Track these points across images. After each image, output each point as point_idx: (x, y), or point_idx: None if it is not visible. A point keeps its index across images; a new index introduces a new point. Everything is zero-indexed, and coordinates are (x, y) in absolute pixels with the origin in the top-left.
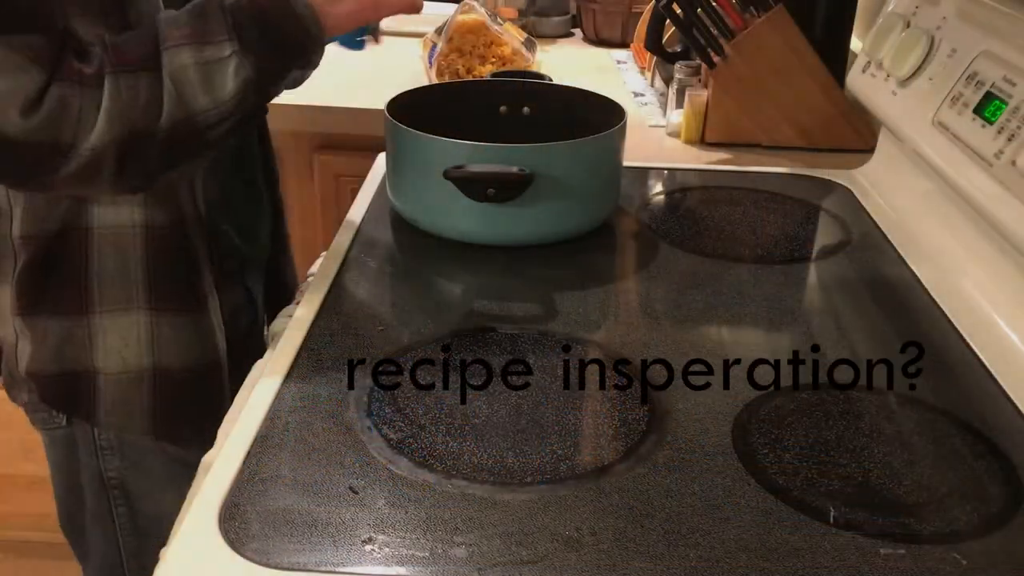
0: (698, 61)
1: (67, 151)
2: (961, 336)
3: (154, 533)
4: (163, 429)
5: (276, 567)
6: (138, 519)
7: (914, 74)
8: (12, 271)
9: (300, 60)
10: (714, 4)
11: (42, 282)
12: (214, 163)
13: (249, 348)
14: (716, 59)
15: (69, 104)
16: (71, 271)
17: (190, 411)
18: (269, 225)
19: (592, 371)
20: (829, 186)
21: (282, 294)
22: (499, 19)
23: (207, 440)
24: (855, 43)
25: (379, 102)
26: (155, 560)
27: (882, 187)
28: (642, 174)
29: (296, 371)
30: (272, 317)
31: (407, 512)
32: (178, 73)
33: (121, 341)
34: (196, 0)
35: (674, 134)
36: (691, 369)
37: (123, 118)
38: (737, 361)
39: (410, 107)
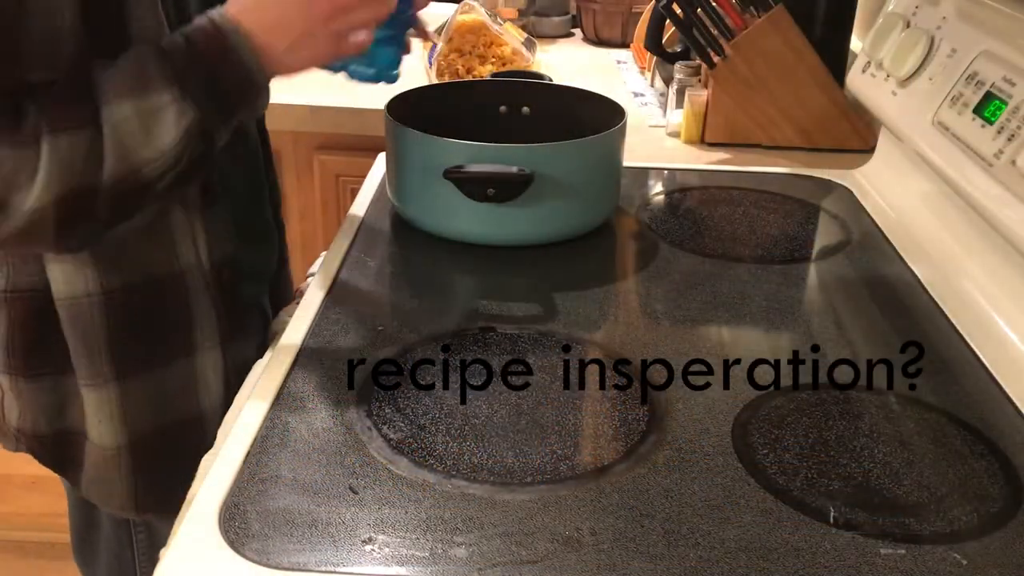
0: (698, 61)
1: (4, 210)
2: (961, 336)
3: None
4: (145, 503)
5: (276, 567)
6: (157, 545)
7: (914, 74)
8: None
9: (244, 108)
10: (714, 4)
11: (29, 342)
12: (222, 209)
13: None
14: (716, 59)
15: (1, 164)
16: (58, 332)
17: (172, 481)
18: (277, 252)
19: (592, 371)
20: (829, 186)
21: (281, 296)
22: (499, 19)
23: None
24: (855, 43)
25: (379, 102)
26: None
27: (882, 187)
28: (642, 174)
29: (296, 371)
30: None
31: (407, 512)
32: (119, 126)
33: (95, 416)
34: (134, 48)
35: (674, 134)
36: (691, 369)
37: (63, 178)
38: (737, 361)
39: (410, 107)
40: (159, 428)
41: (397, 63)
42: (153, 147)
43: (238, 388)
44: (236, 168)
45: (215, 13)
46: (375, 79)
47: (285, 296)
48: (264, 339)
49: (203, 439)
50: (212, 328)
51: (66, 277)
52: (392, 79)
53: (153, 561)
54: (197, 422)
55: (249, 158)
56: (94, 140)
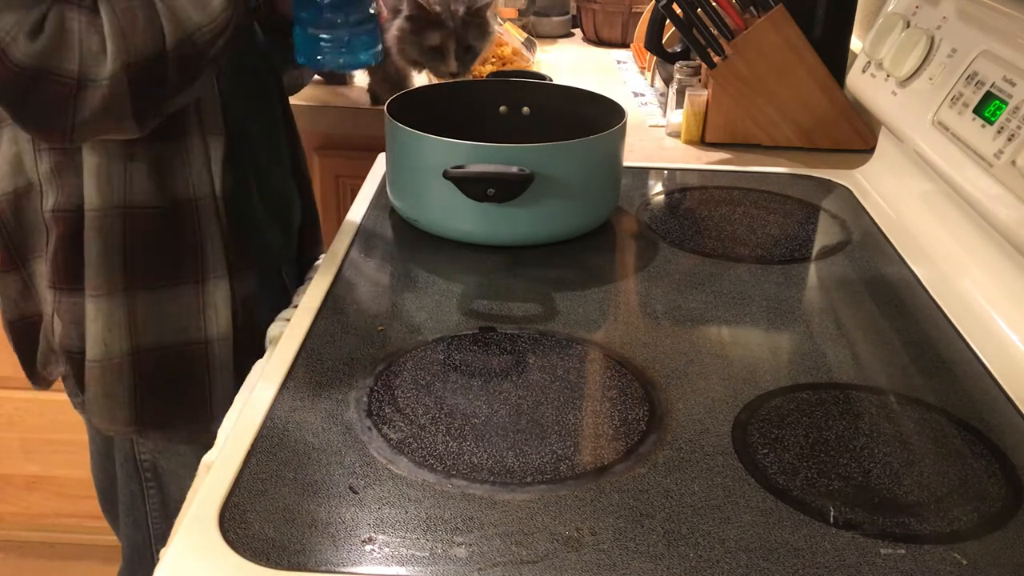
0: (698, 61)
1: (84, 83)
2: (961, 336)
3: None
4: (145, 419)
5: (276, 567)
6: (168, 503)
7: (914, 74)
8: (46, 246)
9: None
10: (714, 4)
11: (71, 258)
12: (238, 138)
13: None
14: (716, 59)
15: (69, 27)
16: (97, 250)
17: (172, 396)
18: (299, 216)
19: (592, 371)
20: (829, 186)
21: (311, 252)
22: (499, 19)
23: (198, 430)
24: (855, 43)
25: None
26: None
27: (882, 187)
28: (642, 174)
29: (296, 371)
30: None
31: (407, 512)
32: None
33: (104, 326)
34: None
35: (674, 134)
36: (691, 369)
37: (128, 43)
38: (737, 361)
39: (410, 107)
40: (163, 345)
41: (374, 43)
42: (204, 13)
43: (246, 323)
44: (251, 116)
45: None
46: (360, 63)
47: (315, 251)
48: (286, 297)
49: (206, 365)
50: (221, 258)
51: (99, 189)
52: (376, 58)
53: (166, 517)
54: (201, 347)
55: (265, 104)
56: (147, 7)
